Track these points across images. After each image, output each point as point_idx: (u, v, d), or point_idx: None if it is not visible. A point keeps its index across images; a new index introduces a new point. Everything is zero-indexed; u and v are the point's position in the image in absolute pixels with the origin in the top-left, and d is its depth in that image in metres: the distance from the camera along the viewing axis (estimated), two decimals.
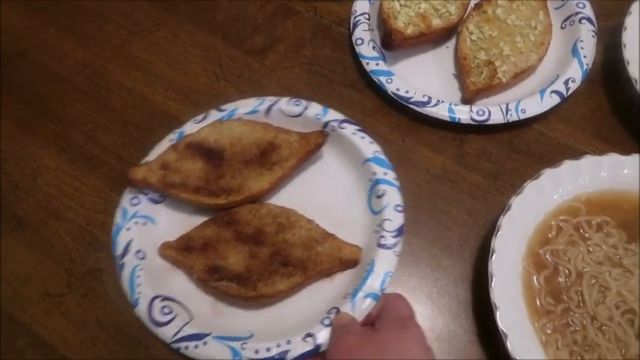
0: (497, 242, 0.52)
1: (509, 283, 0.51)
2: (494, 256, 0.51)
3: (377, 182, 0.57)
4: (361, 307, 0.50)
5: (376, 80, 0.65)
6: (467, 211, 0.60)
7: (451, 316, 0.54)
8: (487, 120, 0.62)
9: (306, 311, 0.52)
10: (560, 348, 0.49)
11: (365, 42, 0.67)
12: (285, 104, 0.62)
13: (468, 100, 0.64)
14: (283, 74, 0.69)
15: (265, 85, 0.68)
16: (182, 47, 0.71)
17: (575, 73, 0.64)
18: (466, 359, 0.52)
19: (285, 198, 0.59)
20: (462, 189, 0.61)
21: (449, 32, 0.69)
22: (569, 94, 0.63)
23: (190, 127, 0.61)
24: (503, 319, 0.49)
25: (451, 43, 0.71)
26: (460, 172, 0.62)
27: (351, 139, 0.59)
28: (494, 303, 0.49)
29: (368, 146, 0.59)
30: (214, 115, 0.61)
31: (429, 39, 0.67)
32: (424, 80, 0.67)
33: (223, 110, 0.62)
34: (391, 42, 0.65)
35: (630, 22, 0.64)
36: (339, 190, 0.59)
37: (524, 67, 0.65)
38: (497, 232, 0.53)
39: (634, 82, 0.60)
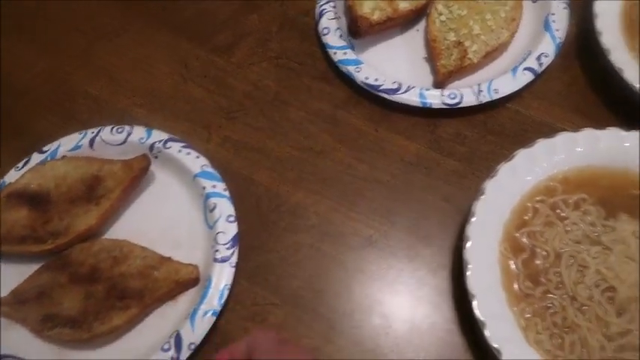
0: (472, 228, 0.51)
1: (485, 269, 0.50)
2: (468, 244, 0.50)
3: (207, 196, 0.56)
4: (201, 325, 0.50)
5: (345, 70, 0.63)
6: (444, 198, 0.58)
7: (431, 306, 0.53)
8: (459, 103, 0.60)
9: (152, 338, 0.52)
10: (541, 331, 0.48)
11: (331, 31, 0.66)
12: (107, 134, 0.61)
13: (439, 83, 0.63)
14: (250, 70, 0.68)
15: (232, 84, 0.67)
16: (147, 50, 0.70)
17: (548, 48, 0.62)
18: (447, 349, 0.52)
19: (121, 229, 0.58)
20: (438, 175, 0.60)
21: (417, 14, 0.67)
22: (542, 70, 0.61)
23: (12, 176, 0.59)
24: (481, 308, 0.48)
25: (421, 26, 0.69)
26: (435, 158, 0.61)
27: (178, 158, 0.59)
28: (470, 292, 0.48)
29: (194, 162, 0.58)
30: (36, 158, 0.61)
31: (397, 23, 0.66)
32: (395, 66, 0.66)
33: (45, 151, 0.61)
34: (357, 29, 0.63)
35: None
36: (174, 210, 0.58)
37: (495, 46, 0.63)
38: (471, 218, 0.51)
39: (606, 53, 0.58)
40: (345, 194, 0.60)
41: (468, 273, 0.49)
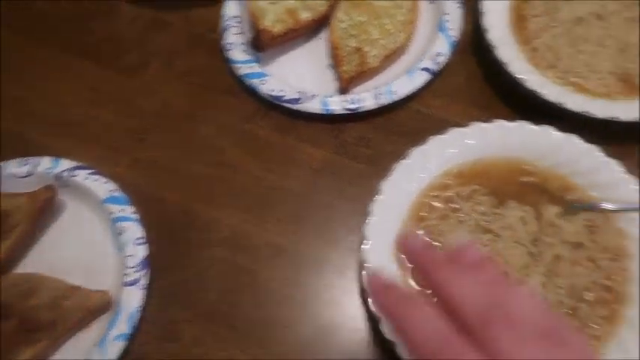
0: (369, 228, 0.53)
1: (383, 266, 0.52)
2: (366, 243, 0.52)
3: (116, 221, 0.57)
4: (112, 351, 0.51)
5: (249, 83, 0.65)
6: (350, 200, 0.60)
7: (339, 307, 0.55)
8: (360, 107, 0.62)
9: None
10: None
11: (236, 46, 0.67)
12: (13, 167, 0.61)
13: (343, 89, 0.64)
14: (160, 90, 0.68)
15: (142, 104, 0.67)
16: (54, 77, 0.70)
17: (443, 47, 0.64)
18: (355, 346, 0.53)
19: (33, 262, 0.58)
20: (344, 179, 0.62)
21: (320, 24, 0.68)
22: (438, 68, 0.64)
23: None
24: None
25: (325, 34, 0.70)
26: (341, 162, 0.62)
27: (86, 185, 0.59)
28: (365, 289, 0.50)
29: (102, 187, 0.59)
30: None
31: (300, 34, 0.67)
32: (301, 75, 0.67)
33: None
34: (260, 42, 0.65)
35: None
36: (86, 238, 0.59)
37: (393, 49, 0.65)
38: (369, 219, 0.53)
39: (493, 48, 0.61)
40: (256, 205, 0.61)
41: (364, 272, 0.51)
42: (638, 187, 0.53)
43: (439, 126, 0.63)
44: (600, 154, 0.55)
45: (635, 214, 0.53)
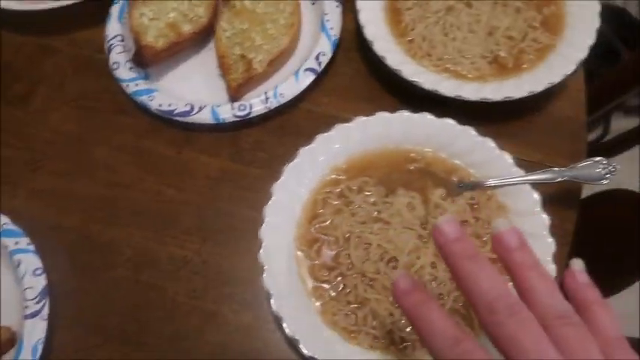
0: (264, 231, 0.54)
1: (283, 267, 0.54)
2: (262, 246, 0.53)
3: (12, 254, 0.57)
4: None
5: (139, 101, 0.65)
6: (250, 207, 0.61)
7: (250, 311, 0.56)
8: (250, 114, 0.63)
9: None
10: (336, 313, 0.52)
11: (121, 65, 0.67)
12: None
13: (233, 97, 0.65)
14: (50, 117, 0.67)
15: (33, 134, 0.66)
16: None
17: (325, 47, 0.66)
18: (271, 347, 0.54)
19: None
20: (243, 185, 0.63)
21: (204, 35, 0.69)
22: (322, 67, 0.66)
23: None
24: (279, 305, 0.51)
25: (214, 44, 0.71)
26: (239, 169, 0.64)
27: None
28: (267, 291, 0.52)
29: None
30: None
31: (184, 46, 0.68)
32: (193, 87, 0.68)
33: None
34: (142, 59, 0.65)
35: None
36: None
37: (277, 53, 0.66)
38: (263, 222, 0.55)
39: (370, 43, 0.63)
40: (157, 221, 0.61)
41: (264, 274, 0.52)
42: (512, 162, 0.57)
43: (331, 123, 0.65)
44: (474, 133, 0.58)
45: (512, 188, 0.56)
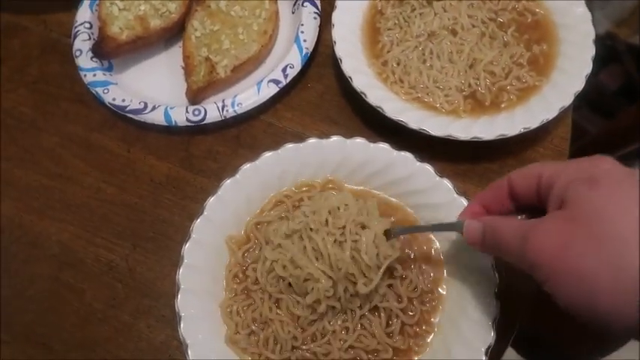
0: (188, 251, 0.51)
1: (202, 288, 0.50)
2: (184, 266, 0.50)
3: None
4: None
5: (94, 92, 0.62)
6: (189, 217, 0.57)
7: (163, 328, 0.53)
8: (203, 119, 0.60)
9: None
10: (240, 330, 0.49)
11: (84, 53, 0.64)
12: None
13: (191, 100, 0.62)
14: (6, 98, 0.66)
15: None
16: None
17: (295, 59, 0.63)
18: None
19: None
20: (186, 194, 0.60)
21: (172, 32, 0.66)
22: (288, 81, 0.62)
23: None
24: (188, 329, 0.48)
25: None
26: (185, 176, 0.60)
27: None
28: (178, 313, 0.48)
29: None
30: None
31: (149, 41, 0.65)
32: (154, 85, 0.65)
33: None
34: (101, 50, 0.62)
35: (339, 2, 0.63)
36: None
37: (244, 59, 0.63)
38: (188, 239, 0.51)
39: (339, 61, 0.59)
40: (91, 220, 0.58)
41: (179, 298, 0.49)
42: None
43: (289, 139, 0.61)
44: (431, 172, 0.54)
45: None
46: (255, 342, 0.48)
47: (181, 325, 0.48)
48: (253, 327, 0.49)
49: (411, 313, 0.49)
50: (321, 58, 0.66)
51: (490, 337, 0.46)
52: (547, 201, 0.36)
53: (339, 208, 0.48)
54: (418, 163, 0.54)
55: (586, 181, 0.33)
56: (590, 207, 0.32)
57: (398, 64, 0.61)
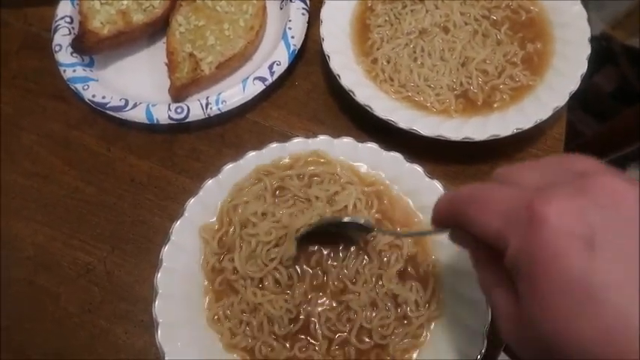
0: (166, 254, 0.49)
1: (181, 292, 0.48)
2: (162, 270, 0.48)
3: None
4: None
5: (73, 88, 0.60)
6: (170, 218, 0.55)
7: (141, 333, 0.51)
8: (186, 117, 0.58)
9: None
10: (236, 332, 0.47)
11: (63, 48, 0.62)
12: None
13: (174, 97, 0.60)
14: None
15: None
16: None
17: (282, 56, 0.61)
18: None
19: None
20: (168, 194, 0.57)
21: (155, 27, 0.64)
22: (275, 78, 0.60)
23: None
24: (165, 336, 0.46)
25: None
26: (167, 176, 0.58)
27: None
28: (155, 320, 0.46)
29: None
30: None
31: (132, 37, 0.63)
32: (136, 82, 0.63)
33: None
34: (82, 45, 0.60)
35: None
36: None
37: (229, 56, 0.61)
38: (167, 241, 0.49)
39: (327, 58, 0.57)
40: (68, 220, 0.56)
41: (156, 302, 0.47)
42: None
43: (275, 139, 0.59)
44: (421, 173, 0.52)
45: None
46: (251, 331, 0.46)
47: (159, 332, 0.46)
48: (244, 317, 0.47)
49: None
50: (309, 55, 0.64)
51: (482, 344, 0.44)
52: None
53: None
54: (407, 164, 0.52)
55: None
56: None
57: (388, 61, 0.59)
